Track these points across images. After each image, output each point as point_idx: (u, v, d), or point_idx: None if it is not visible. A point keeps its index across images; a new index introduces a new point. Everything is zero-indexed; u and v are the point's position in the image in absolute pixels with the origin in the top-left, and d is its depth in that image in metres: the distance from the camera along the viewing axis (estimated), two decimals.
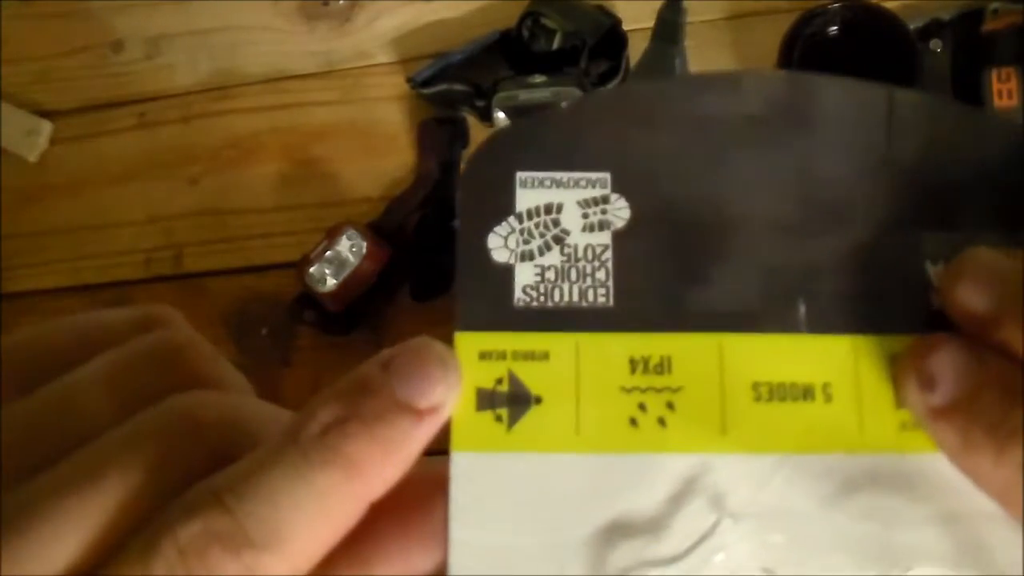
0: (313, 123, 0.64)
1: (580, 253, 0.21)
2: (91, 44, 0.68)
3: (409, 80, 0.61)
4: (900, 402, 0.19)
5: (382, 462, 0.17)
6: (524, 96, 0.58)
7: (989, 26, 0.53)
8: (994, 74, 0.52)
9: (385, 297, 0.58)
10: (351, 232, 0.55)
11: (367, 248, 0.55)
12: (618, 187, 0.21)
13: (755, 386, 0.20)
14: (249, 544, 0.15)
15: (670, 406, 0.20)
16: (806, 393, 0.20)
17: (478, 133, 0.62)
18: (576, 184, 0.21)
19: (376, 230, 0.57)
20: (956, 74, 0.55)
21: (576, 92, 0.57)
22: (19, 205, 0.66)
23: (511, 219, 0.21)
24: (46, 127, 0.66)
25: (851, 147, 0.21)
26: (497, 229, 0.21)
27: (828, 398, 0.20)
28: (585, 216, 0.21)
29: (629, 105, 0.22)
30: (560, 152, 0.21)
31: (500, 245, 0.21)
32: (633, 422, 0.19)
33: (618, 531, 0.19)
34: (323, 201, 0.62)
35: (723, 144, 0.21)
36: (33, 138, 0.66)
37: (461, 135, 0.61)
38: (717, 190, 0.21)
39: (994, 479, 0.18)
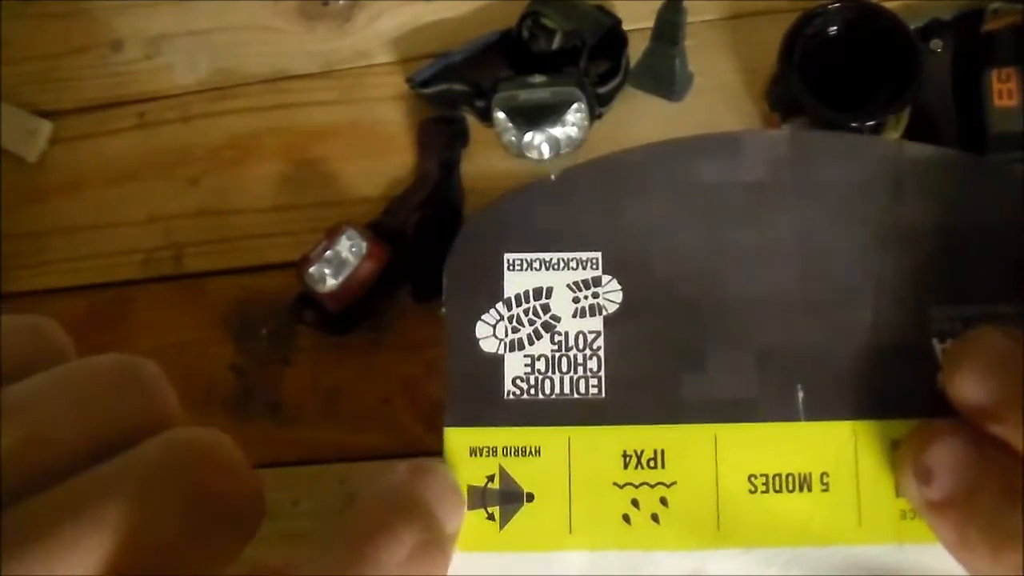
0: (313, 123, 0.64)
1: (571, 341, 0.20)
2: (91, 44, 0.68)
3: (409, 80, 0.61)
4: (899, 491, 0.19)
5: None
6: (524, 96, 0.58)
7: (989, 26, 0.53)
8: (994, 74, 0.52)
9: (385, 297, 0.58)
10: (351, 232, 0.55)
11: (367, 248, 0.55)
12: (609, 267, 0.20)
13: (751, 478, 0.19)
14: None
15: (663, 502, 0.19)
16: (803, 483, 0.19)
17: (478, 133, 0.62)
18: (566, 265, 0.20)
19: (376, 230, 0.57)
20: (956, 74, 0.55)
21: (576, 92, 0.57)
22: (19, 205, 0.66)
23: (499, 305, 0.20)
24: (46, 127, 0.66)
25: (856, 214, 0.20)
26: (485, 317, 0.20)
27: (826, 487, 0.19)
28: (576, 300, 0.20)
29: (620, 175, 0.21)
30: (549, 230, 0.20)
31: (488, 334, 0.20)
32: (626, 519, 0.19)
33: None
34: (323, 201, 0.62)
35: (720, 215, 0.20)
36: (33, 138, 0.66)
37: (461, 135, 0.61)
38: (713, 267, 0.20)
39: None
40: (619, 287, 0.20)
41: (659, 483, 0.19)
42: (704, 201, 0.20)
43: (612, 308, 0.20)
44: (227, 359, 0.61)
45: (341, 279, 0.55)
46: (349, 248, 0.55)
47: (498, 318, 0.20)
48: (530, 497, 0.19)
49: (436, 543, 0.17)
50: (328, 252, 0.55)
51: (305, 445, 0.58)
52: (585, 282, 0.20)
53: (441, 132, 0.61)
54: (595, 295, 0.20)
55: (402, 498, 0.17)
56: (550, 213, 0.20)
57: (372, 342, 0.59)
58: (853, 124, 0.51)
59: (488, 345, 0.20)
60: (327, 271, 0.55)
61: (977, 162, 0.20)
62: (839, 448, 0.19)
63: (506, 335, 0.20)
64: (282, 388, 0.60)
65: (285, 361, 0.60)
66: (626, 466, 0.19)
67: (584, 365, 0.20)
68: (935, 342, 0.19)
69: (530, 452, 0.19)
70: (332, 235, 0.55)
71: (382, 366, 0.58)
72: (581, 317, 0.20)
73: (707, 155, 0.20)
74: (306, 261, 0.55)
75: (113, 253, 0.64)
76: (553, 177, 0.21)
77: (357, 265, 0.55)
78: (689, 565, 0.19)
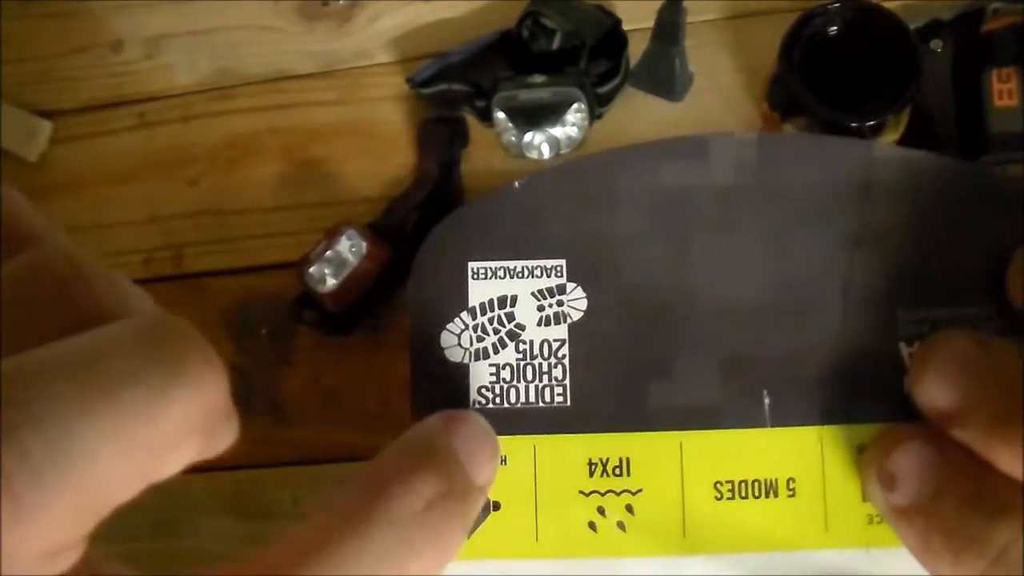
0: (313, 123, 0.64)
1: (536, 350, 0.20)
2: (91, 44, 0.68)
3: (409, 80, 0.61)
4: (865, 496, 0.19)
5: (461, 541, 0.16)
6: (524, 96, 0.58)
7: (989, 26, 0.53)
8: (994, 74, 0.52)
9: (385, 297, 0.58)
10: (351, 232, 0.55)
11: (367, 248, 0.55)
12: (574, 275, 0.20)
13: (716, 485, 0.19)
14: None
15: (629, 509, 0.19)
16: (769, 489, 0.19)
17: (478, 133, 0.62)
18: (531, 273, 0.20)
19: (376, 230, 0.57)
20: (956, 74, 0.55)
21: (576, 92, 0.57)
22: None
23: (464, 314, 0.20)
24: (46, 127, 0.66)
25: (824, 217, 0.20)
26: (450, 326, 0.20)
27: (792, 493, 0.19)
28: (540, 309, 0.20)
29: (585, 181, 0.20)
30: (513, 238, 0.20)
31: (454, 343, 0.20)
32: (592, 526, 0.19)
33: None
34: (323, 201, 0.62)
35: (687, 221, 0.20)
36: (33, 138, 0.66)
37: (461, 135, 0.61)
38: (679, 274, 0.20)
39: None
40: (584, 295, 0.20)
41: (625, 491, 0.19)
42: (670, 206, 0.20)
43: (577, 316, 0.20)
44: (227, 359, 0.61)
45: (341, 279, 0.55)
46: (349, 248, 0.55)
47: (463, 327, 0.20)
48: (496, 506, 0.19)
49: (458, 496, 0.16)
50: (328, 252, 0.55)
51: (305, 445, 0.58)
52: (550, 290, 0.20)
53: (441, 132, 0.61)
54: (560, 303, 0.20)
55: (426, 446, 0.16)
56: (514, 221, 0.20)
57: (372, 342, 0.59)
58: (853, 124, 0.51)
59: (453, 354, 0.20)
60: (327, 271, 0.55)
61: (946, 164, 0.20)
62: (805, 454, 0.19)
63: (471, 344, 0.20)
64: (282, 388, 0.60)
65: (285, 361, 0.60)
66: (592, 474, 0.19)
67: (549, 374, 0.20)
68: (902, 346, 0.19)
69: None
70: (332, 235, 0.55)
71: (382, 366, 0.58)
72: (546, 325, 0.20)
73: (673, 160, 0.20)
74: (306, 261, 0.55)
75: (113, 253, 0.64)
76: (517, 184, 0.20)
77: (357, 265, 0.55)
78: (655, 571, 0.19)
